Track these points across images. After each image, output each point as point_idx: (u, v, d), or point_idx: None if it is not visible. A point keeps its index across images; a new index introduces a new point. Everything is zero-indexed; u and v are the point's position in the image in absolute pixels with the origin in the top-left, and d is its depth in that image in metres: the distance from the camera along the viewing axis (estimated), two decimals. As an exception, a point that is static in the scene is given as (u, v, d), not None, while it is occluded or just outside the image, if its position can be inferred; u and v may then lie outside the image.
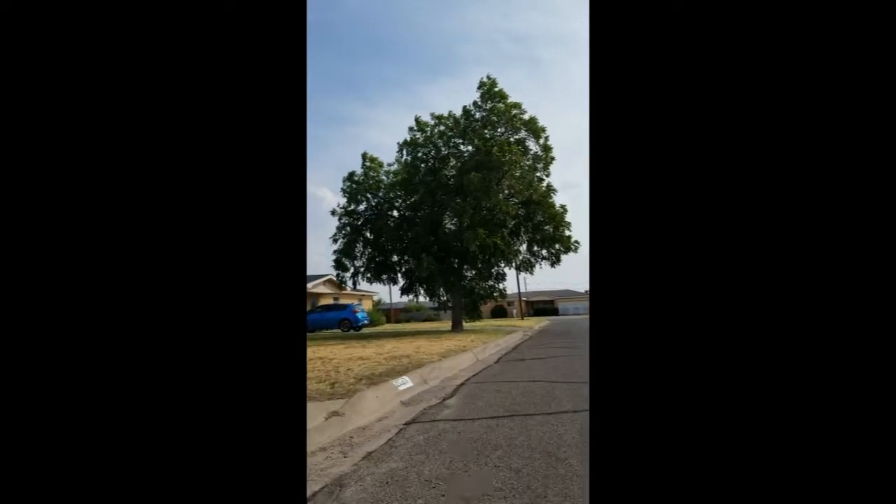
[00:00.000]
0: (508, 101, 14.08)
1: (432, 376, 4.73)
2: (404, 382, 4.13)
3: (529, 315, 41.98)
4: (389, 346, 8.23)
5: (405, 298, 17.35)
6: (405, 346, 7.87)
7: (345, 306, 19.77)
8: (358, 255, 15.50)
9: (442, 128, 14.85)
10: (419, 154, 14.84)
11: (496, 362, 6.20)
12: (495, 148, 12.87)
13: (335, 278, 15.83)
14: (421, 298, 16.71)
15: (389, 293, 15.59)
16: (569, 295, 51.14)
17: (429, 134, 14.91)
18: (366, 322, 19.70)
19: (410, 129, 15.07)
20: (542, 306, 49.10)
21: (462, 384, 4.36)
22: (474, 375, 4.95)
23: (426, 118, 15.02)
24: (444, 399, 3.61)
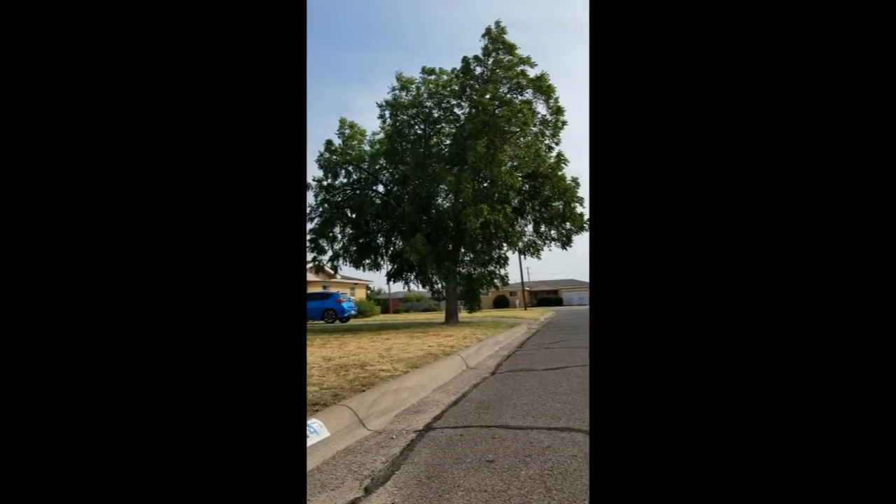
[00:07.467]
0: (516, 54, 11.85)
1: (379, 408, 2.76)
2: (311, 432, 2.16)
3: (532, 305, 40.07)
4: (354, 345, 6.27)
5: (406, 287, 15.31)
6: (373, 347, 5.90)
7: (329, 295, 17.69)
8: (338, 235, 13.44)
9: (432, 86, 12.54)
10: (403, 118, 12.51)
11: (493, 374, 4.22)
12: (504, 108, 10.72)
13: (312, 262, 13.72)
14: (413, 286, 14.69)
15: (388, 281, 13.73)
16: (573, 284, 49.22)
17: (416, 93, 12.61)
18: (353, 312, 17.69)
19: (392, 88, 12.76)
20: (546, 296, 47.24)
21: (425, 430, 2.39)
22: (455, 404, 2.98)
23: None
24: (366, 489, 1.63)
